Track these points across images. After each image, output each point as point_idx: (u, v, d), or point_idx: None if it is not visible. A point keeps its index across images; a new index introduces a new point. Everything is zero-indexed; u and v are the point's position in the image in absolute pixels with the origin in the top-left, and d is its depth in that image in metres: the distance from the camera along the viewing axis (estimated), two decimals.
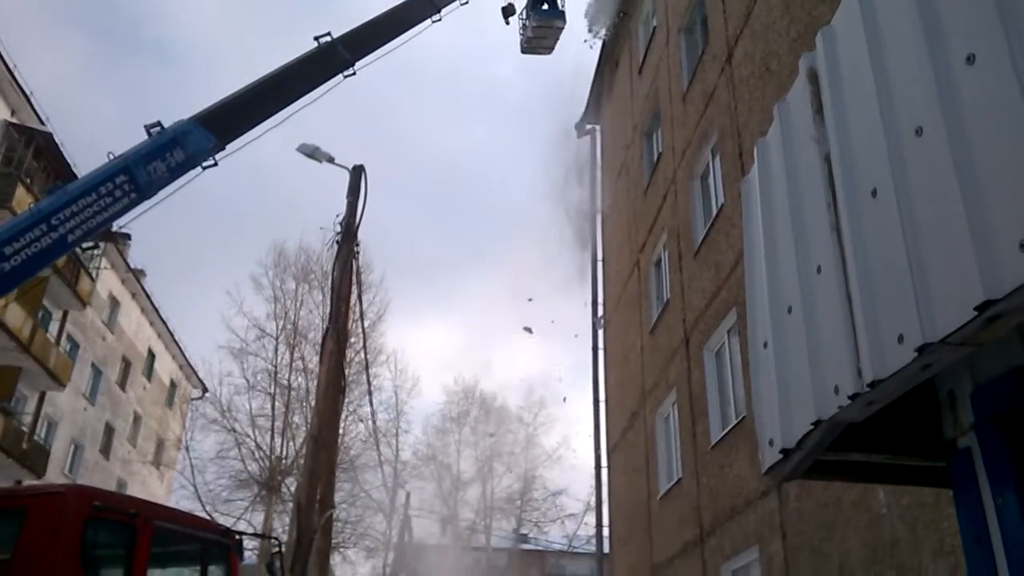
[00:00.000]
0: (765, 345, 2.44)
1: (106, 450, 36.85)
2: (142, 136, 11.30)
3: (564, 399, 60.22)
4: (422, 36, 16.15)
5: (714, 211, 13.56)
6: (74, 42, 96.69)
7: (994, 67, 1.52)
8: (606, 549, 21.00)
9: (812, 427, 2.08)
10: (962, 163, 1.56)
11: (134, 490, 36.07)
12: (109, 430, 37.12)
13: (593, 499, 22.46)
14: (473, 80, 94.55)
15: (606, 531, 21.12)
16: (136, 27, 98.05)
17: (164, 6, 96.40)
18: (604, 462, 21.15)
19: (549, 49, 23.31)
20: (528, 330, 29.92)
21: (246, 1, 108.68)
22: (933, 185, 1.65)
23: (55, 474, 30.32)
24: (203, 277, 78.88)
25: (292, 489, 25.98)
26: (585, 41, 24.98)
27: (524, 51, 23.44)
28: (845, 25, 2.14)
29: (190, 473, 30.50)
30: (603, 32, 23.31)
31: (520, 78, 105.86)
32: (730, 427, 12.09)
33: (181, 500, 31.39)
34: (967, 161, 1.56)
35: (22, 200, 23.19)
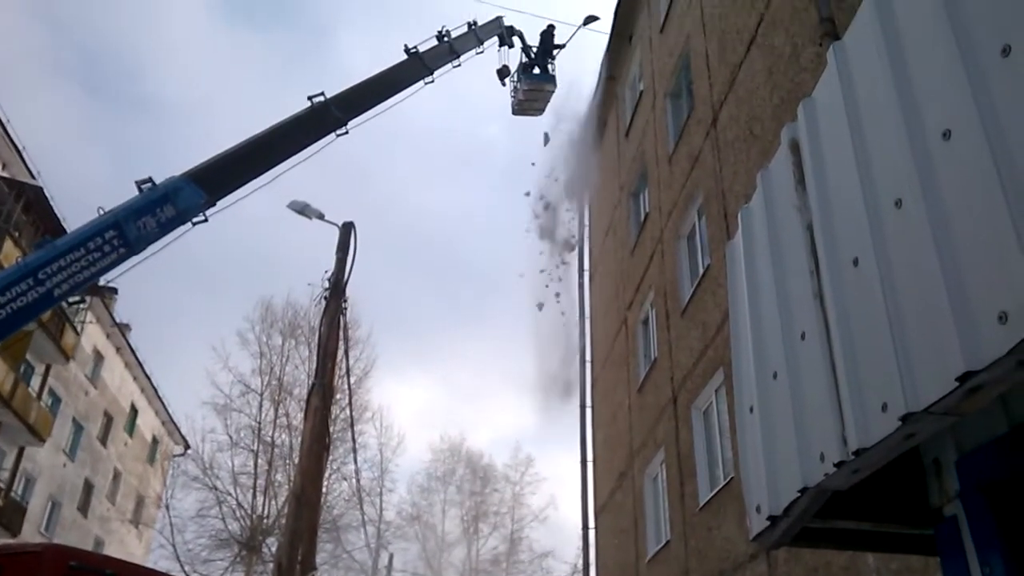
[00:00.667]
0: (751, 410, 2.45)
1: (84, 507, 36.12)
2: (132, 192, 11.34)
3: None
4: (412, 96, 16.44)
5: (700, 271, 13.66)
6: (65, 97, 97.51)
7: (969, 142, 1.57)
8: None
9: (799, 494, 2.08)
10: (940, 235, 1.59)
11: (112, 549, 35.24)
12: (88, 487, 36.44)
13: (580, 561, 22.08)
14: (460, 140, 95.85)
15: None
16: (127, 83, 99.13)
17: (154, 63, 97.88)
18: (591, 523, 20.86)
19: (540, 111, 23.78)
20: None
21: (237, 61, 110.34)
22: (913, 256, 1.68)
23: (31, 532, 29.65)
24: (189, 332, 78.38)
25: (273, 549, 25.46)
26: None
27: (515, 113, 23.90)
28: (826, 97, 2.20)
29: (169, 532, 29.78)
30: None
31: (507, 138, 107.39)
32: (718, 488, 11.98)
33: (160, 560, 30.64)
34: (945, 233, 1.59)
35: (10, 254, 23.17)
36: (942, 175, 1.63)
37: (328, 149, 14.05)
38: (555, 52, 23.20)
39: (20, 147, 26.66)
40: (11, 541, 24.99)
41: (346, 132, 14.30)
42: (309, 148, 13.67)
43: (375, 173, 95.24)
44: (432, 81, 17.08)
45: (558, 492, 61.21)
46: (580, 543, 21.39)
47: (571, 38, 23.52)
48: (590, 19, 23.04)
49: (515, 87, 23.20)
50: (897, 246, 1.75)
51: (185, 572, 26.95)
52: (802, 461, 2.04)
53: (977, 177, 1.52)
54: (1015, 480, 1.81)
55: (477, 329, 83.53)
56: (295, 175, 13.44)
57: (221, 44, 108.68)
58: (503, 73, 22.54)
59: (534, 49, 22.93)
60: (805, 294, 2.12)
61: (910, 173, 1.70)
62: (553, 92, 23.17)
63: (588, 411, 22.02)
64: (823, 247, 2.04)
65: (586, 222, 24.73)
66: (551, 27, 23.25)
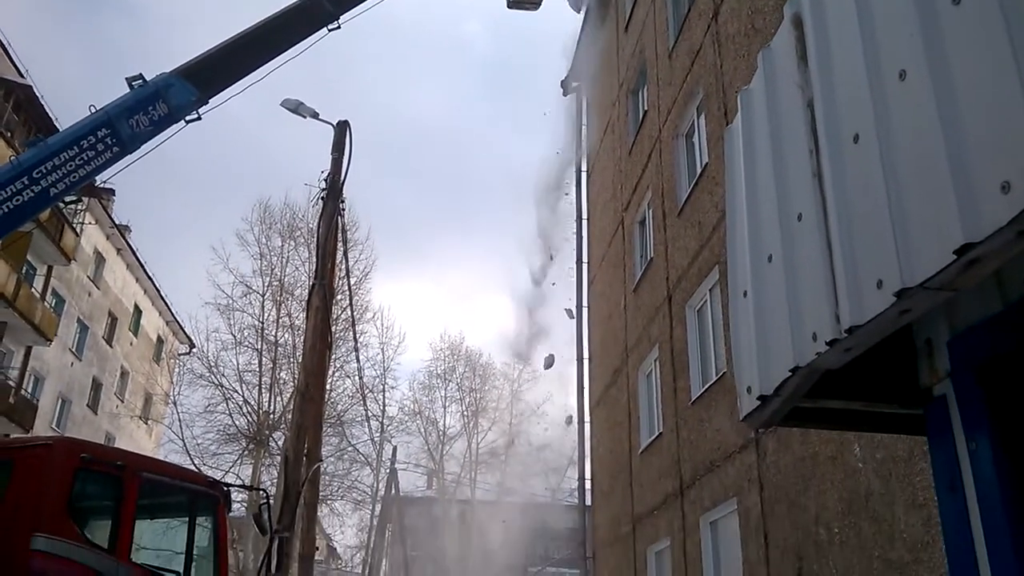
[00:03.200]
0: (745, 294, 2.44)
1: (94, 404, 36.93)
2: (116, 94, 11.16)
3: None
4: None
5: (698, 170, 13.53)
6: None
7: (980, 6, 1.50)
8: (589, 501, 21.33)
9: (790, 374, 2.09)
10: (945, 105, 1.54)
11: (122, 444, 36.16)
12: (96, 385, 37.17)
13: (576, 453, 22.74)
14: (444, 36, 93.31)
15: (588, 484, 21.44)
16: None
17: None
18: (587, 417, 21.38)
19: (536, 5, 23.02)
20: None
21: None
22: (915, 129, 1.63)
23: (43, 428, 30.37)
24: (188, 234, 78.33)
25: (280, 443, 26.14)
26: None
27: (510, 6, 23.12)
28: None
29: (178, 427, 30.65)
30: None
31: (492, 35, 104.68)
32: (710, 383, 12.21)
33: (170, 454, 31.57)
34: (950, 103, 1.54)
35: (2, 153, 22.87)
36: (949, 41, 1.57)
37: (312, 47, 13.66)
38: None
39: (7, 44, 25.96)
40: (24, 435, 25.62)
41: (338, 27, 13.88)
42: (300, 44, 13.33)
43: (353, 71, 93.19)
44: None
45: (554, 388, 62.12)
46: (576, 436, 21.99)
47: None
48: None
49: None
50: (899, 119, 1.70)
51: (195, 465, 27.72)
52: (794, 341, 2.04)
53: (986, 43, 1.46)
54: (1006, 359, 1.82)
55: (474, 230, 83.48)
56: (280, 69, 13.11)
57: None
58: None
59: None
60: (804, 174, 2.08)
61: (916, 42, 1.64)
62: None
63: (584, 310, 22.25)
64: (823, 124, 1.99)
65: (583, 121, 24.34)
66: None
